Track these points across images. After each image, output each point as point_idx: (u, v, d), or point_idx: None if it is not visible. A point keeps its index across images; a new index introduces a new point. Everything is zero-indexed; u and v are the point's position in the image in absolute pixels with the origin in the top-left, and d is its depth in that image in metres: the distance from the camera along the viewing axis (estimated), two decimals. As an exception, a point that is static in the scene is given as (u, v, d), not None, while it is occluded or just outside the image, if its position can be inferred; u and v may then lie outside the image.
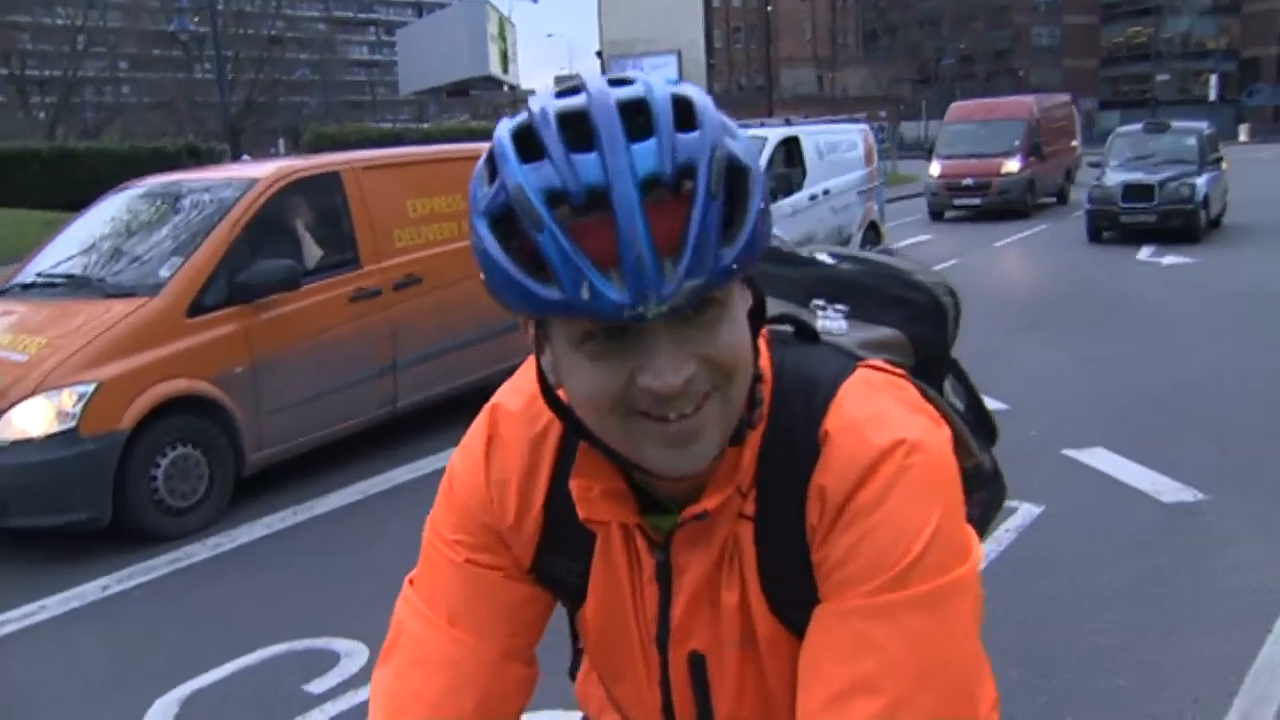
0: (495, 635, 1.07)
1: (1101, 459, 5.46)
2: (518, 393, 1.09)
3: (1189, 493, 4.92)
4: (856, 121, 15.18)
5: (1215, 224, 16.16)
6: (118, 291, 5.47)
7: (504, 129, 0.87)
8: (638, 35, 53.99)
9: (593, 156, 0.82)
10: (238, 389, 5.44)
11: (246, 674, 3.71)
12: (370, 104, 69.67)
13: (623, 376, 0.86)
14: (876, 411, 0.96)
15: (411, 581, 1.12)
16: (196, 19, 35.74)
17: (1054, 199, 22.41)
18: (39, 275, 5.97)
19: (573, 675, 1.35)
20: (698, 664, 1.07)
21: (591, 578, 1.09)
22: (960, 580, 0.92)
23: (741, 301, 0.92)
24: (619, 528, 1.06)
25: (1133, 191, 15.04)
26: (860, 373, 1.01)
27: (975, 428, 1.26)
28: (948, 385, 1.27)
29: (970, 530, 0.97)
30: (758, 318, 0.95)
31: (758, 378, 0.97)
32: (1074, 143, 24.54)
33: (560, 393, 0.97)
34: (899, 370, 1.04)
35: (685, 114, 0.85)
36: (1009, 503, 4.71)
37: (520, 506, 1.08)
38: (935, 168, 20.79)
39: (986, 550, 4.32)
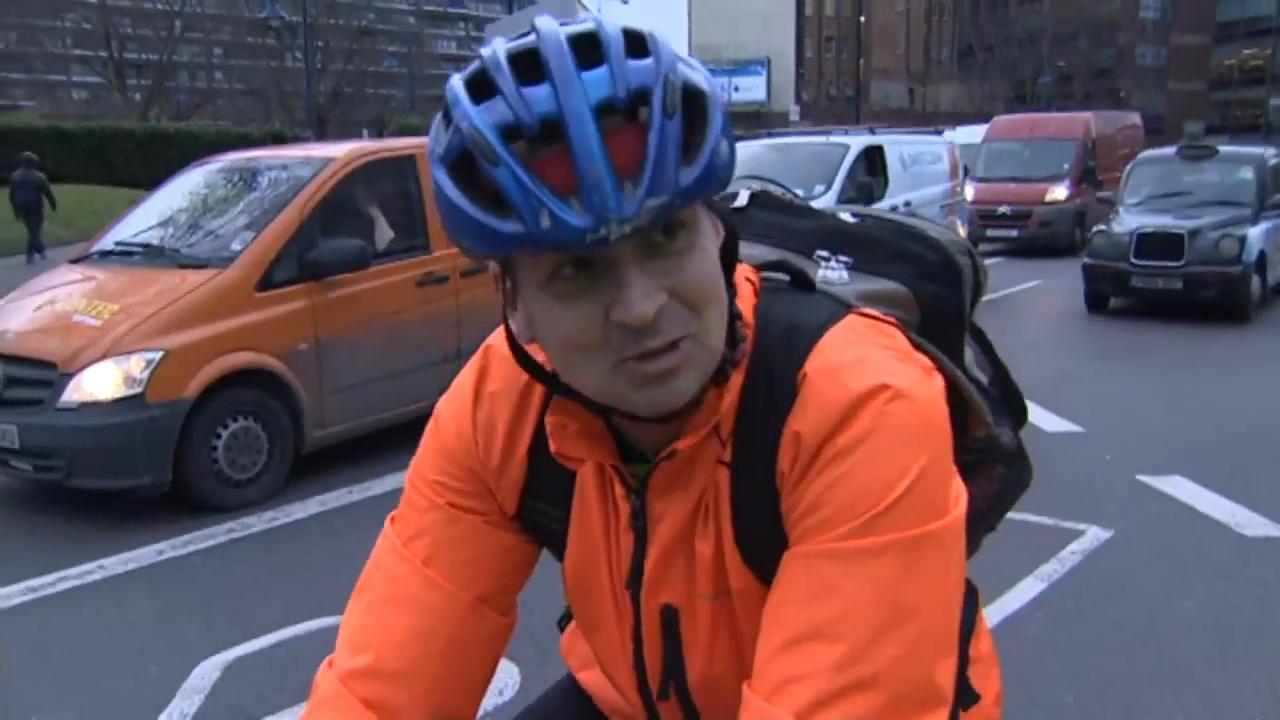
0: (471, 580, 1.06)
1: (1179, 487, 5.29)
2: None
3: (1274, 528, 4.75)
4: (941, 133, 14.91)
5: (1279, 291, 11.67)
6: (191, 262, 5.62)
7: (455, 78, 0.87)
8: (727, 41, 54.01)
9: (544, 88, 0.82)
10: (301, 366, 5.55)
11: (291, 644, 3.78)
12: (455, 99, 70.45)
13: (596, 315, 0.86)
14: (860, 356, 0.93)
15: (392, 520, 1.12)
16: (290, 7, 36.63)
17: None
18: (117, 244, 6.17)
19: (561, 627, 1.34)
20: (670, 617, 1.05)
21: (570, 524, 1.08)
22: (936, 533, 0.89)
23: (713, 236, 0.91)
24: (595, 472, 1.05)
25: (1151, 244, 10.34)
26: (849, 319, 0.98)
27: (1001, 404, 1.22)
28: (970, 356, 1.22)
29: (958, 487, 0.93)
30: (730, 256, 0.94)
31: (736, 316, 0.96)
32: None
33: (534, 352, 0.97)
34: (891, 318, 1.02)
35: (636, 44, 0.85)
36: (1075, 525, 4.67)
37: (506, 451, 1.07)
38: (969, 191, 16.21)
39: (1050, 570, 4.24)
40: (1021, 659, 3.48)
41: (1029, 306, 11.94)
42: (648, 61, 0.83)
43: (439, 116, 0.88)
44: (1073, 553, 4.44)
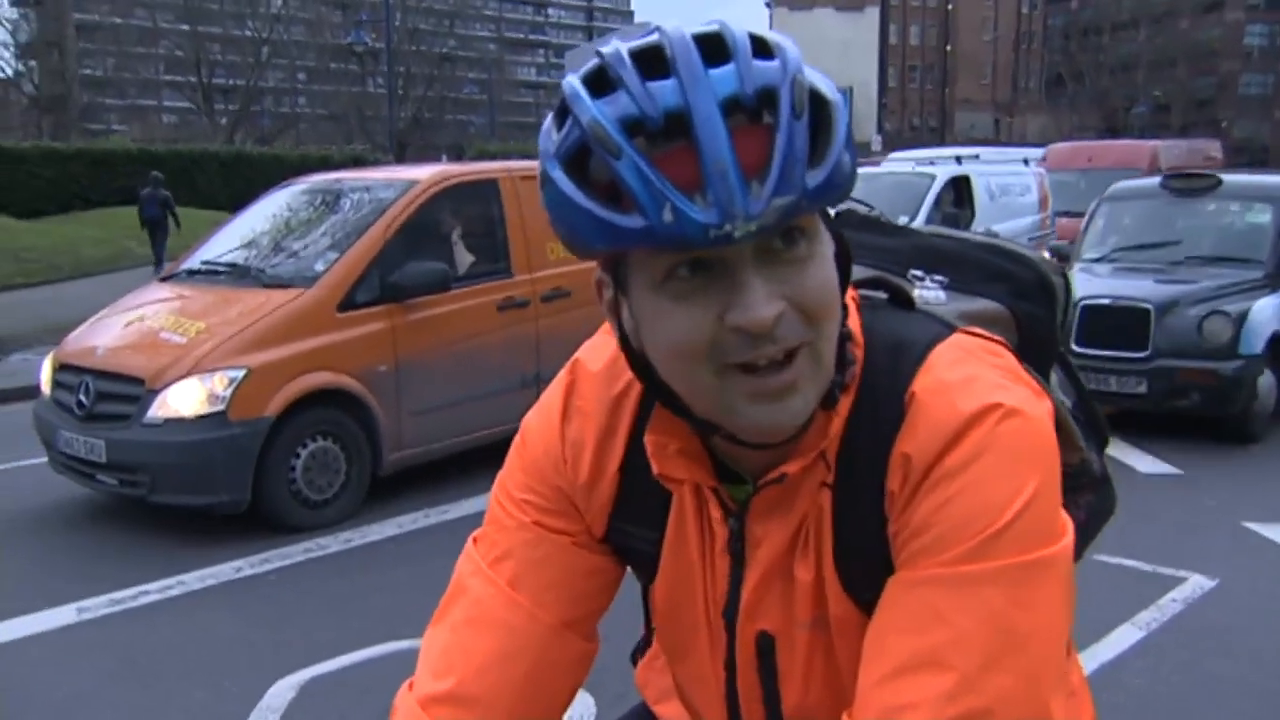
0: (556, 602, 1.05)
1: (1289, 535, 5.09)
2: (599, 352, 1.07)
3: (1394, 582, 4.53)
4: (1028, 163, 14.50)
5: None
6: (275, 282, 5.75)
7: (572, 77, 0.86)
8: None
9: (670, 82, 0.81)
10: (381, 387, 5.63)
11: (366, 666, 3.81)
12: (535, 125, 71.71)
13: (710, 319, 0.84)
14: (969, 375, 0.91)
15: (475, 540, 1.10)
16: (374, 35, 37.60)
17: None
18: (204, 263, 6.34)
19: (634, 659, 1.31)
20: (766, 646, 1.02)
21: (664, 546, 1.06)
22: (1048, 560, 0.86)
23: (830, 246, 0.89)
24: (693, 494, 1.03)
25: (1100, 323, 6.87)
26: (956, 337, 0.96)
27: (1086, 429, 1.19)
28: (1054, 379, 1.20)
29: (1065, 514, 0.91)
30: (844, 270, 0.92)
31: (847, 337, 0.94)
32: None
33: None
34: (999, 339, 0.99)
35: (762, 46, 0.84)
36: (1175, 571, 4.52)
37: (595, 469, 1.05)
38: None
39: (1148, 618, 4.10)
40: (1122, 710, 3.36)
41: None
42: (774, 63, 0.82)
43: (551, 116, 0.88)
44: (1173, 600, 4.28)
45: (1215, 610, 4.23)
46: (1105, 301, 6.94)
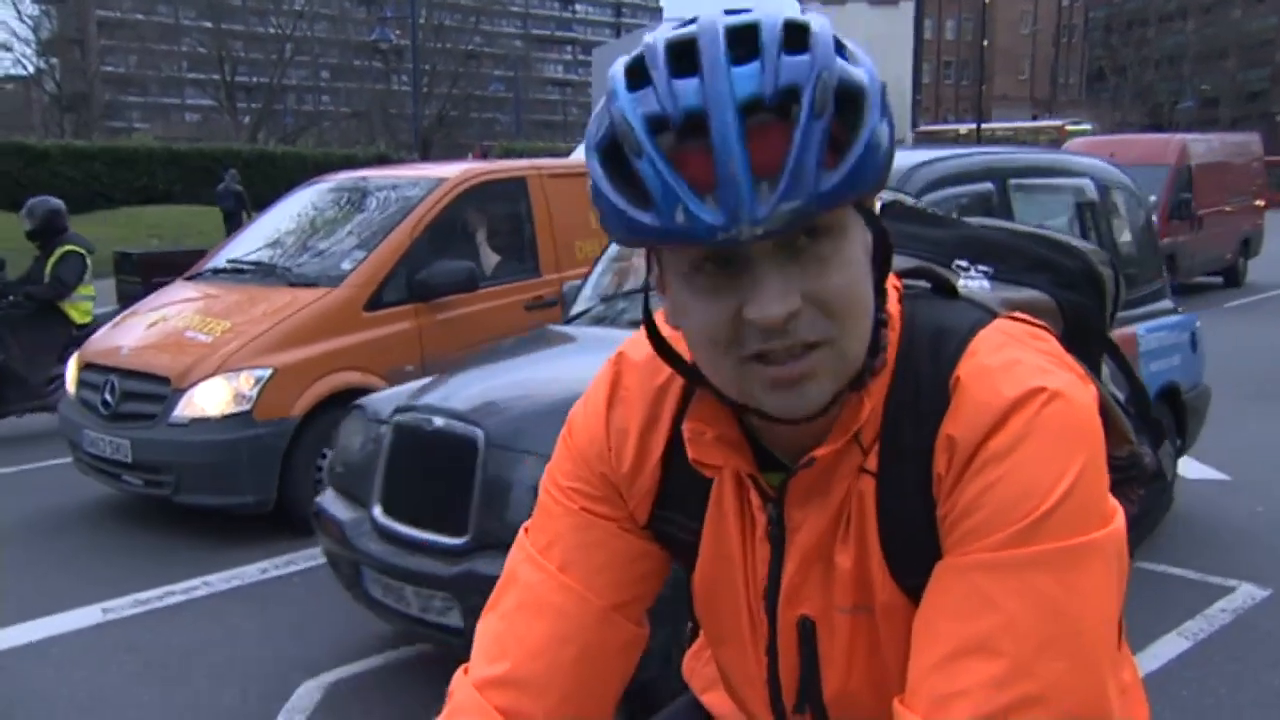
0: (605, 587, 1.08)
1: (1343, 544, 5.02)
2: (643, 344, 1.10)
3: None
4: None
5: None
6: (301, 281, 5.80)
7: (619, 63, 0.90)
8: (841, 65, 53.75)
9: (694, 81, 0.84)
10: (407, 387, 5.66)
11: (393, 669, 3.84)
12: (562, 124, 71.97)
13: (730, 311, 0.87)
14: (1013, 359, 0.92)
15: (526, 530, 1.14)
16: (399, 32, 37.87)
17: (1218, 279, 16.71)
18: (230, 261, 6.41)
19: (682, 648, 1.36)
20: (807, 630, 1.05)
21: (704, 534, 1.09)
22: (1097, 543, 0.87)
23: (862, 242, 0.91)
24: (733, 481, 1.06)
25: None
26: (999, 322, 0.98)
27: (1139, 424, 1.21)
28: (1106, 372, 1.22)
29: (1114, 500, 0.92)
30: (883, 264, 0.94)
31: (882, 322, 0.96)
32: (1259, 202, 18.25)
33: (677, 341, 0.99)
34: (1042, 324, 1.00)
35: (796, 37, 0.85)
36: (1224, 580, 4.46)
37: (638, 457, 1.09)
38: None
39: (1196, 628, 4.06)
40: (1167, 721, 3.34)
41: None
42: (804, 57, 0.84)
43: (602, 99, 0.90)
44: (1222, 611, 4.24)
45: (1269, 620, 4.19)
46: None
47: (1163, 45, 65.17)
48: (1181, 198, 15.36)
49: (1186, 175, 15.65)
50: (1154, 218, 10.92)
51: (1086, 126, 36.76)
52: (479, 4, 57.70)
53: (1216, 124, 54.33)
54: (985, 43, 54.58)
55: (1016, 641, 0.84)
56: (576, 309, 4.60)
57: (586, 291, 4.68)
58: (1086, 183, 5.19)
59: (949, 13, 70.11)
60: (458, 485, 3.32)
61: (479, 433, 3.34)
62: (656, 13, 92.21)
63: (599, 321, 4.38)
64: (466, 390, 3.73)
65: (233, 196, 20.58)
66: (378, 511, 3.55)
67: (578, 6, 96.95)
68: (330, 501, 3.94)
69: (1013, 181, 4.72)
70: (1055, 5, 72.16)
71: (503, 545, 2.80)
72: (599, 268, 4.81)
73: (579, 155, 10.07)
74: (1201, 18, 66.68)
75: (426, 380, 4.12)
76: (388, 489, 3.57)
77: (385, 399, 4.03)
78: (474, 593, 3.05)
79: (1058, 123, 39.05)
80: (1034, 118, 66.28)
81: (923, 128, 43.28)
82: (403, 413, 3.65)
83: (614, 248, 4.72)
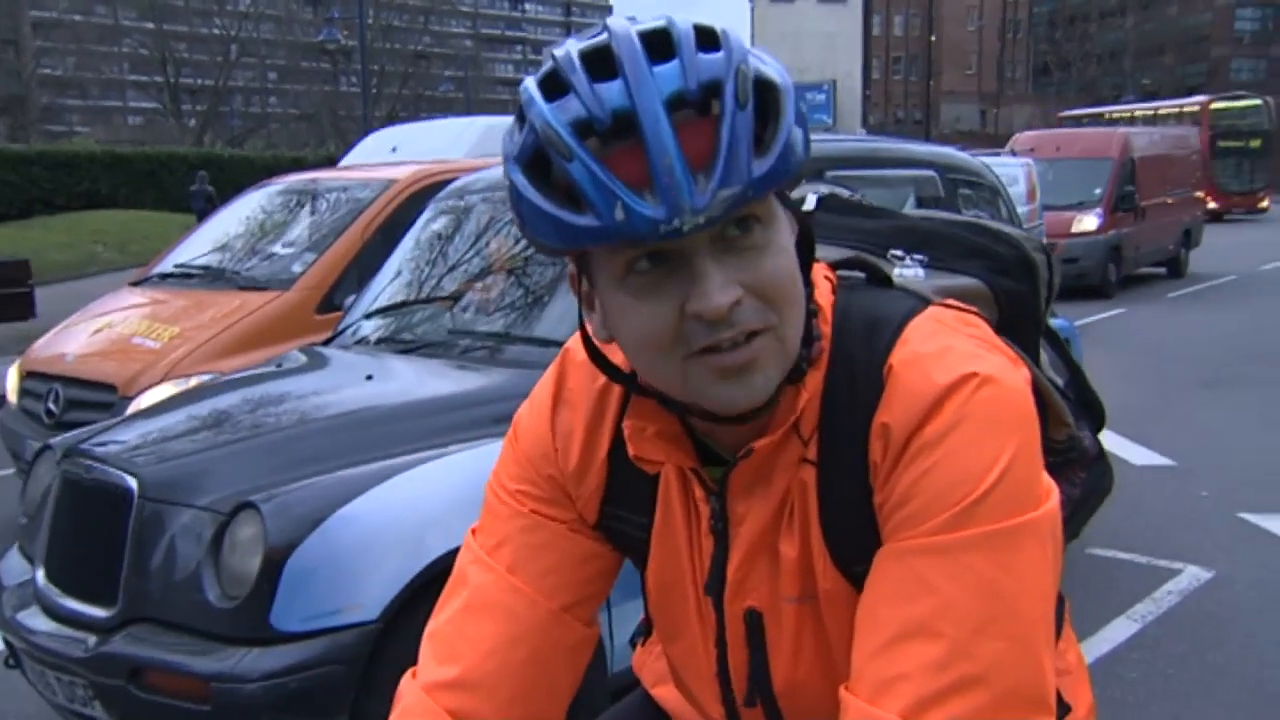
0: (554, 588, 1.09)
1: (1285, 526, 5.15)
2: None
3: (1392, 571, 4.60)
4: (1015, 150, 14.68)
5: None
6: (251, 284, 5.73)
7: (529, 80, 0.91)
8: (792, 63, 53.89)
9: (617, 83, 0.85)
10: (360, 390, 5.62)
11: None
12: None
13: (672, 310, 0.88)
14: (945, 346, 0.94)
15: (473, 532, 1.14)
16: (346, 32, 37.54)
17: (1162, 270, 17.16)
18: (177, 266, 6.32)
19: (632, 643, 1.37)
20: (754, 621, 1.06)
21: (654, 530, 1.10)
22: (1031, 524, 0.89)
23: (789, 230, 0.93)
24: (677, 476, 1.07)
25: None
26: (931, 310, 1.00)
27: (1079, 410, 1.24)
28: (1045, 359, 1.24)
29: (1049, 481, 0.94)
30: (807, 252, 0.96)
31: (813, 313, 0.97)
32: (1199, 193, 18.68)
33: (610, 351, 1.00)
34: (973, 309, 1.03)
35: (708, 38, 0.88)
36: (1170, 563, 4.56)
37: (584, 456, 1.10)
38: None
39: (1144, 611, 4.15)
40: (1119, 703, 3.41)
41: (1112, 336, 11.73)
42: (719, 55, 0.86)
43: (513, 120, 0.92)
44: (1169, 593, 4.34)
45: (1212, 602, 4.29)
46: None
47: (1104, 40, 66.34)
48: (1125, 190, 15.58)
49: (1130, 168, 15.85)
50: (1022, 210, 11.11)
51: (1256, 102, 33.46)
52: (428, 4, 57.44)
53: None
54: (932, 38, 55.23)
55: (955, 624, 0.86)
56: (345, 322, 4.13)
57: (365, 300, 4.17)
58: (929, 174, 4.88)
59: (897, 9, 70.69)
60: (111, 544, 2.75)
61: (131, 482, 2.78)
62: (607, 10, 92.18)
63: (366, 341, 3.87)
64: (138, 429, 3.18)
65: (203, 198, 20.47)
66: (39, 576, 2.98)
67: (527, 6, 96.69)
68: (11, 562, 3.30)
69: (829, 174, 3.84)
70: (1000, 1, 73.11)
71: (156, 620, 2.57)
72: (386, 271, 4.26)
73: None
74: (1140, 14, 67.90)
75: (124, 416, 3.62)
76: (49, 549, 2.99)
77: (73, 438, 3.34)
78: (113, 677, 2.59)
79: (1202, 99, 34.55)
80: (982, 113, 67.09)
81: (1065, 113, 38.81)
82: (67, 458, 3.04)
83: (410, 242, 4.29)
